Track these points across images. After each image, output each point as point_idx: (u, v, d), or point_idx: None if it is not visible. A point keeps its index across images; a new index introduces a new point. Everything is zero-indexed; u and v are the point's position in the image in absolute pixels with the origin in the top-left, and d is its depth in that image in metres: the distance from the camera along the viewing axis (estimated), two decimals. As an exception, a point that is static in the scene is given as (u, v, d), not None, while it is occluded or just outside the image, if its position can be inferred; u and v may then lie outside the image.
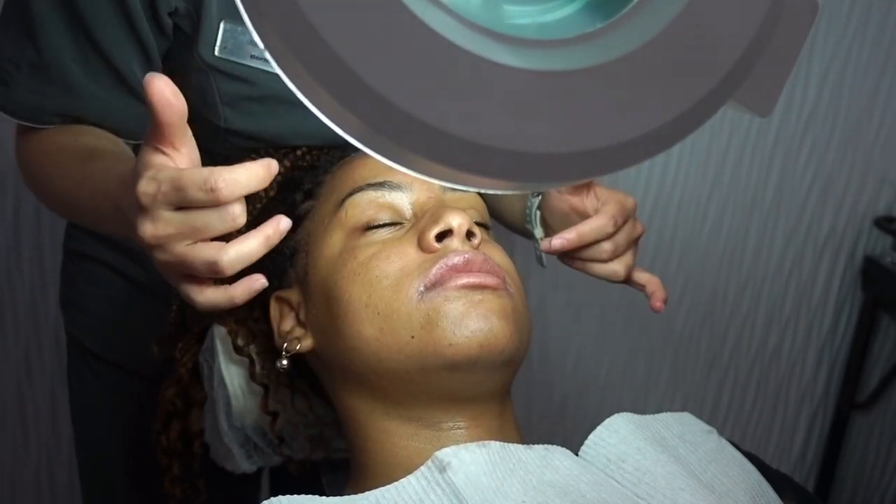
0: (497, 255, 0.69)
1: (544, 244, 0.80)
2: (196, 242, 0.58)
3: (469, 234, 0.67)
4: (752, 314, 1.81)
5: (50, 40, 0.75)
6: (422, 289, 0.64)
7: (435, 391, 0.65)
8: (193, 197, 0.55)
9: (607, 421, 0.68)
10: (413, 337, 0.63)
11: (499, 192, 0.83)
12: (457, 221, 0.66)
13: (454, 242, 0.66)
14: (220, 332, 0.80)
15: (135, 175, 0.58)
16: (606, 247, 0.79)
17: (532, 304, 0.72)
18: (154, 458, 0.85)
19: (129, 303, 1.00)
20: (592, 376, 1.80)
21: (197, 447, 0.84)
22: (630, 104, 0.40)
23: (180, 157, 0.58)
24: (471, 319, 0.63)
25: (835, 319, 1.84)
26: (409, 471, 0.61)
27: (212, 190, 0.55)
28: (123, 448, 1.03)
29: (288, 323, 0.74)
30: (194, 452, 0.85)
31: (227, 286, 0.62)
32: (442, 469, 0.60)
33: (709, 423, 0.74)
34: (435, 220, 0.66)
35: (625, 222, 0.80)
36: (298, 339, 0.72)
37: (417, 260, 0.66)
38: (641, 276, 0.86)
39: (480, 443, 0.63)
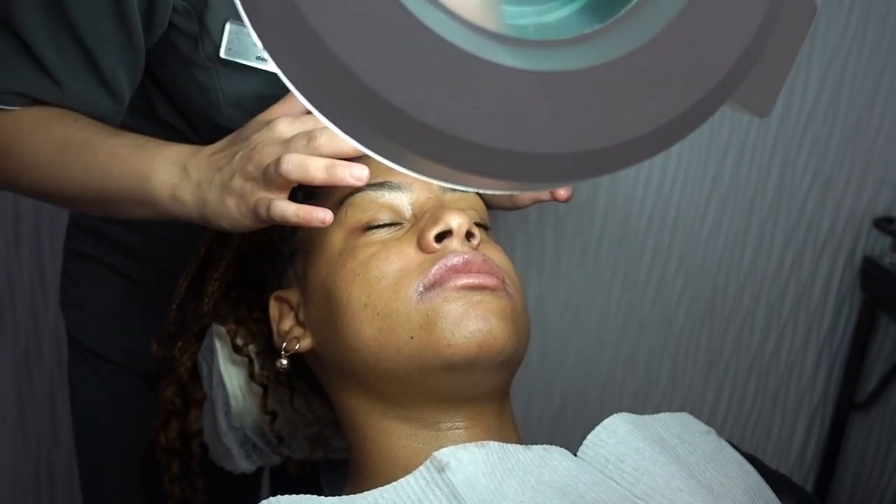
0: (496, 255, 0.70)
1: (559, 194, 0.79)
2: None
3: (468, 235, 0.67)
4: (752, 314, 1.81)
5: (27, 25, 0.73)
6: (421, 289, 0.64)
7: (434, 391, 0.65)
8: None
9: (606, 421, 0.68)
10: (412, 337, 0.63)
11: (498, 193, 0.83)
12: (456, 222, 0.66)
13: (453, 243, 0.66)
14: (219, 332, 0.81)
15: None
16: None
17: (531, 304, 0.72)
18: (154, 457, 0.85)
19: (129, 302, 1.00)
20: (591, 376, 1.80)
21: (196, 446, 0.85)
22: (629, 104, 0.40)
23: None
24: (470, 320, 0.63)
25: (834, 320, 1.84)
26: (407, 471, 0.61)
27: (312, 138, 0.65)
28: (124, 447, 1.03)
29: (287, 323, 0.74)
30: (193, 452, 0.85)
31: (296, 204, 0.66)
32: (440, 469, 0.60)
33: (708, 422, 0.74)
34: (434, 221, 0.66)
35: None
36: (298, 339, 0.72)
37: (417, 260, 0.66)
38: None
39: (479, 443, 0.63)
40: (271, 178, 0.64)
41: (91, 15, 0.72)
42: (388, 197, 0.71)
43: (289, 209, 0.64)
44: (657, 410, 0.72)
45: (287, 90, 0.38)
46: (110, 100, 0.77)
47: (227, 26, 0.76)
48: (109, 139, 0.74)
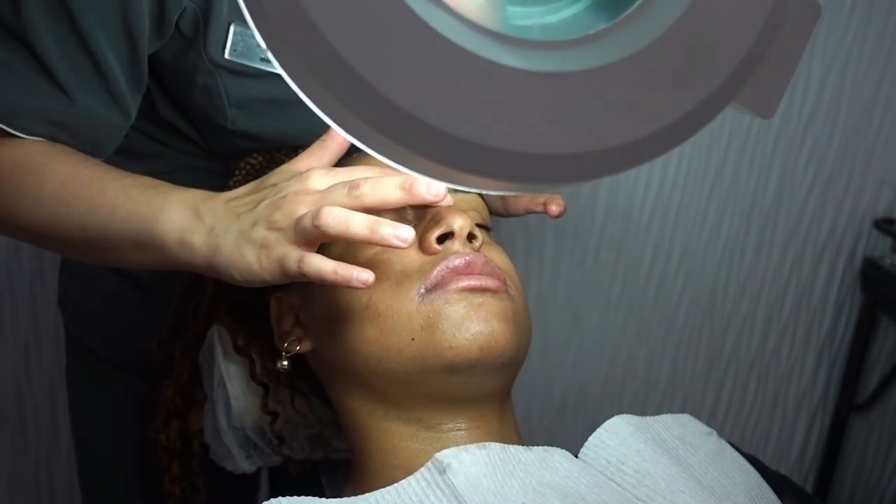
0: (498, 256, 0.69)
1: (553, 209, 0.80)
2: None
3: (470, 237, 0.67)
4: (752, 315, 1.81)
5: (40, 37, 0.70)
6: (422, 291, 0.64)
7: (435, 393, 0.65)
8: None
9: (607, 423, 0.68)
10: (413, 339, 0.63)
11: (501, 194, 0.82)
12: (458, 223, 0.66)
13: (455, 244, 0.66)
14: (220, 332, 0.80)
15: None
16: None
17: (532, 305, 0.72)
18: (153, 457, 0.85)
19: (129, 301, 0.99)
20: (591, 376, 1.80)
21: (196, 446, 0.84)
22: (632, 106, 0.40)
23: None
24: (471, 322, 0.63)
25: (834, 321, 1.84)
26: (409, 472, 0.61)
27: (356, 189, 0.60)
28: (123, 446, 1.03)
29: (288, 323, 0.73)
30: (194, 452, 0.85)
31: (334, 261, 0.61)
32: (442, 471, 0.60)
33: (708, 423, 0.74)
34: (436, 222, 0.66)
35: None
36: (298, 340, 0.72)
37: (418, 261, 0.66)
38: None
39: (480, 444, 0.63)
40: (305, 230, 0.59)
41: (99, 25, 0.70)
42: (389, 197, 0.70)
43: (325, 266, 0.59)
44: (657, 411, 0.72)
45: (292, 92, 0.38)
46: (119, 114, 0.75)
47: (232, 28, 0.76)
48: (119, 178, 0.70)
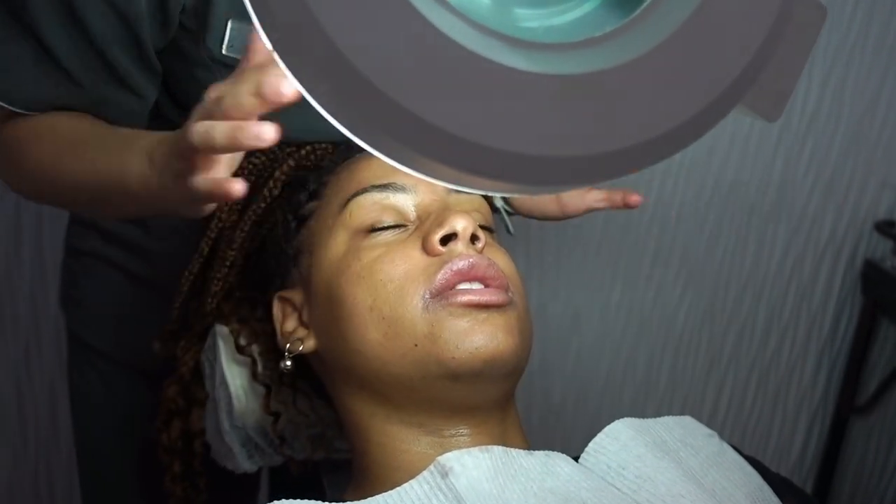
0: (501, 258, 0.69)
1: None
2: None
3: (473, 238, 0.67)
4: (752, 317, 1.81)
5: (46, 32, 0.73)
6: (427, 296, 0.64)
7: (437, 399, 0.65)
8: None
9: (608, 428, 0.68)
10: (416, 345, 0.63)
11: (505, 195, 0.82)
12: (461, 225, 0.66)
13: (459, 246, 0.66)
14: (222, 332, 0.80)
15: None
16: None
17: (532, 306, 0.72)
18: (155, 456, 0.85)
19: (131, 299, 0.99)
20: (591, 377, 1.80)
21: (198, 446, 0.84)
22: (637, 108, 0.40)
23: None
24: (475, 336, 0.63)
25: (835, 323, 1.84)
26: (411, 475, 0.61)
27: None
28: (124, 445, 1.03)
29: (291, 323, 0.73)
30: (195, 451, 0.84)
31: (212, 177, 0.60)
32: (444, 474, 0.60)
33: (708, 425, 0.74)
34: (440, 224, 0.66)
35: None
36: (301, 340, 0.72)
37: (422, 264, 0.66)
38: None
39: (483, 448, 0.63)
40: (184, 150, 0.58)
41: (99, 16, 0.72)
42: (392, 199, 0.70)
43: (199, 183, 0.59)
44: (657, 412, 0.72)
45: (298, 103, 0.38)
46: (133, 98, 0.78)
47: (229, 24, 0.76)
48: (104, 135, 0.73)
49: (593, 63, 0.39)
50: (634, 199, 0.86)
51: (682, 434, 0.71)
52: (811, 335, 1.84)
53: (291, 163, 0.81)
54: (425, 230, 0.67)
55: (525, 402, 1.75)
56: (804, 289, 1.80)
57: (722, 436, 0.74)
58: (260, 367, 0.79)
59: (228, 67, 0.78)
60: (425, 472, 0.60)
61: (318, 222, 0.73)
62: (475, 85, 0.37)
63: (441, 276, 0.64)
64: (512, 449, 0.64)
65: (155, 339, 0.86)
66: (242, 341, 0.79)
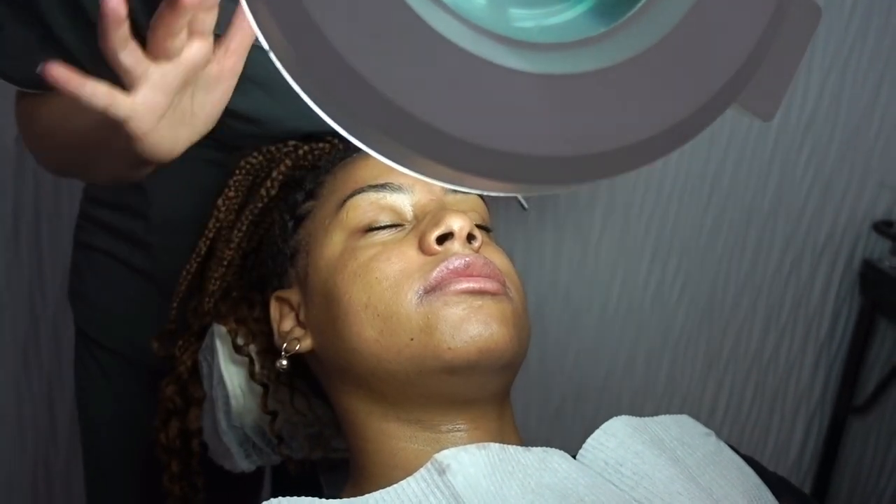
0: (497, 257, 0.69)
1: None
2: None
3: (470, 237, 0.67)
4: (751, 317, 1.81)
5: (51, 19, 0.77)
6: (421, 292, 0.64)
7: (434, 394, 0.65)
8: None
9: (605, 425, 0.68)
10: (412, 339, 0.63)
11: (501, 195, 0.83)
12: (458, 224, 0.66)
13: (455, 245, 0.66)
14: (219, 331, 0.81)
15: None
16: None
17: (530, 305, 0.72)
18: (155, 454, 0.85)
19: (137, 295, 0.99)
20: (590, 377, 1.80)
21: (195, 445, 0.84)
22: (633, 108, 0.40)
23: None
24: (470, 324, 0.63)
25: (833, 323, 1.84)
26: (408, 472, 0.61)
27: None
28: (127, 442, 1.03)
29: (288, 323, 0.74)
30: (193, 450, 0.85)
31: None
32: (441, 471, 0.60)
33: (706, 424, 0.74)
34: (436, 223, 0.66)
35: None
36: (298, 340, 0.72)
37: (418, 262, 0.66)
38: None
39: (480, 445, 0.63)
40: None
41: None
42: (389, 198, 0.71)
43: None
44: (656, 411, 0.72)
45: (280, 77, 0.37)
46: None
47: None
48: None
49: (588, 63, 0.39)
50: None
51: (679, 432, 0.71)
52: (809, 335, 1.85)
53: (289, 162, 0.81)
54: (422, 229, 0.67)
55: (524, 402, 1.75)
56: (802, 289, 1.81)
57: (720, 435, 0.74)
58: (257, 367, 0.79)
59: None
60: (422, 470, 0.60)
61: (314, 222, 0.73)
62: (469, 84, 0.37)
63: (436, 274, 0.64)
64: (509, 445, 0.64)
65: (153, 338, 0.86)
66: (240, 341, 0.79)
